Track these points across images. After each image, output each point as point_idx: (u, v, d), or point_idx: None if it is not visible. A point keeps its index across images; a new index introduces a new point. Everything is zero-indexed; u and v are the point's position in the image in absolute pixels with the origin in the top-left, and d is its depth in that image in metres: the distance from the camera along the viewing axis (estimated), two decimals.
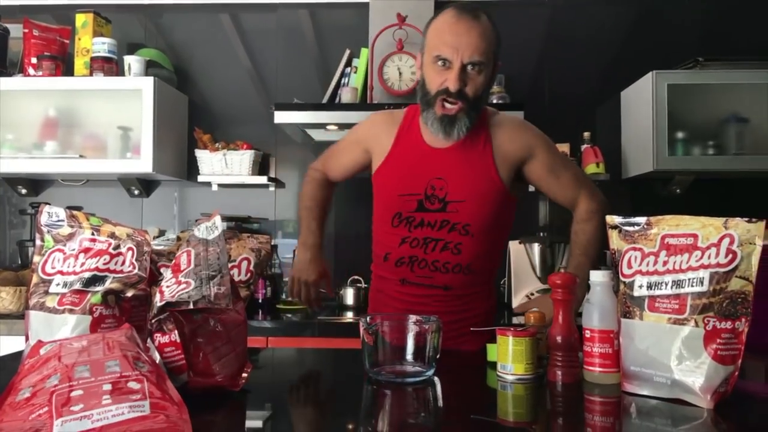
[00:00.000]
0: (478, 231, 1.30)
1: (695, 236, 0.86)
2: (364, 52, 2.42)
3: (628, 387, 0.89)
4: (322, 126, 2.30)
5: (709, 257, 0.84)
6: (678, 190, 2.45)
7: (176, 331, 0.77)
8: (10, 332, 2.01)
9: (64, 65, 2.43)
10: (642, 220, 0.91)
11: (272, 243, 2.59)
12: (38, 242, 0.96)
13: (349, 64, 2.47)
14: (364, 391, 0.94)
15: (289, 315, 2.22)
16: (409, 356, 0.96)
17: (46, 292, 0.92)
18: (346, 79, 2.44)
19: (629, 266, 0.91)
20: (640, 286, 0.89)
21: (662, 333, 0.86)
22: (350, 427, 0.79)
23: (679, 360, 0.84)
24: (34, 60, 2.40)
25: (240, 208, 2.60)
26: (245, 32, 2.68)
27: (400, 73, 2.33)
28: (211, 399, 0.81)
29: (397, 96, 2.33)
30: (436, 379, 0.97)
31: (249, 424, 0.80)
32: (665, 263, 0.87)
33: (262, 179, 2.48)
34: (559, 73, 2.57)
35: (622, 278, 0.92)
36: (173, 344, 0.77)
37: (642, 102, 2.29)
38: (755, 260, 0.82)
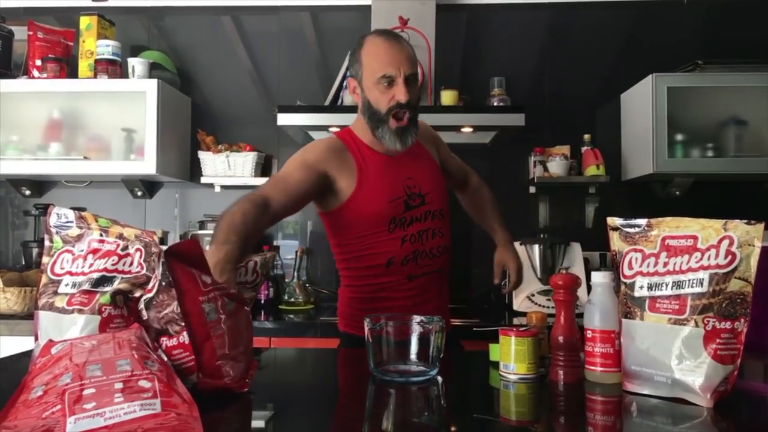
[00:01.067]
0: (445, 212, 1.50)
1: (695, 238, 0.88)
2: None
3: (629, 386, 0.91)
4: (324, 128, 2.32)
5: (708, 258, 0.85)
6: (677, 192, 2.47)
7: (185, 333, 0.78)
8: (14, 333, 2.02)
9: (68, 67, 2.44)
10: (642, 222, 0.93)
11: (275, 244, 2.61)
12: (47, 243, 0.98)
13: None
14: (368, 390, 0.95)
15: (292, 315, 2.23)
16: (413, 356, 0.97)
17: (56, 293, 0.93)
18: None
19: (630, 267, 0.92)
20: (641, 287, 0.90)
21: (662, 333, 0.87)
22: (355, 425, 0.80)
23: (679, 360, 0.85)
24: (38, 62, 2.42)
25: None
26: (247, 35, 2.69)
27: None
28: (218, 398, 0.82)
29: None
30: (439, 378, 0.98)
31: (256, 422, 0.82)
32: (665, 264, 0.89)
33: (265, 180, 2.49)
34: (560, 76, 2.59)
35: (623, 279, 0.93)
36: (181, 346, 0.79)
37: (642, 104, 2.31)
38: (754, 262, 0.84)
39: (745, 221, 0.85)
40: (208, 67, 2.70)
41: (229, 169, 2.47)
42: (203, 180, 2.49)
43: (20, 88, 2.37)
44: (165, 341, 0.80)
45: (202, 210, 2.63)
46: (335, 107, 2.38)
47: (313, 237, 2.64)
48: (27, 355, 1.12)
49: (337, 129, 2.31)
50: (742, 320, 0.84)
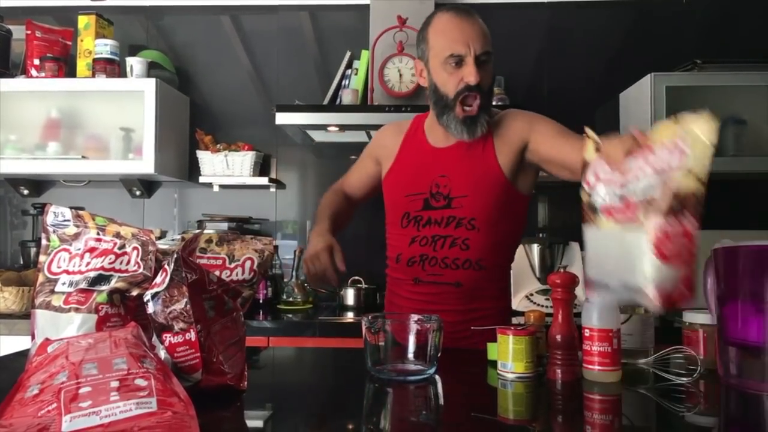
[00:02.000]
0: (483, 225, 1.30)
1: (650, 142, 0.84)
2: (365, 54, 2.43)
3: (589, 295, 0.91)
4: (323, 127, 2.31)
5: (660, 159, 0.81)
6: None
7: (192, 331, 0.78)
8: (12, 332, 2.02)
9: (66, 67, 2.44)
10: (619, 134, 0.92)
11: (274, 244, 2.60)
12: (44, 242, 0.97)
13: (349, 65, 2.48)
14: (366, 389, 0.95)
15: (290, 315, 2.23)
16: (410, 355, 0.97)
17: (52, 291, 0.93)
18: (347, 81, 2.45)
19: (596, 177, 0.90)
20: (600, 195, 0.88)
21: (617, 238, 0.84)
22: (353, 424, 0.80)
23: (630, 264, 0.81)
24: (36, 61, 2.41)
25: (241, 208, 2.61)
26: (246, 34, 2.69)
27: (401, 75, 2.35)
28: (215, 397, 0.82)
29: (397, 98, 2.35)
30: (437, 377, 0.98)
31: (254, 421, 0.81)
32: (626, 171, 0.86)
33: (263, 180, 2.49)
34: (559, 75, 2.59)
35: (587, 188, 0.91)
36: (187, 343, 0.78)
37: (641, 104, 2.31)
38: (702, 155, 0.78)
39: (696, 117, 0.80)
40: (206, 66, 2.70)
41: (227, 168, 2.47)
42: (202, 179, 2.49)
43: (18, 88, 2.36)
44: (168, 337, 0.79)
45: (200, 209, 2.63)
46: (334, 106, 2.38)
47: None
48: (24, 354, 1.12)
49: (336, 128, 2.31)
50: (692, 219, 0.80)
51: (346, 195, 1.57)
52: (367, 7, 2.46)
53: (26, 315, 2.06)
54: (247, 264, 1.01)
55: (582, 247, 2.36)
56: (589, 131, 0.96)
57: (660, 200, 0.80)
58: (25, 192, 2.64)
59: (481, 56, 1.25)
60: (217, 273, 0.93)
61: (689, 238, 0.80)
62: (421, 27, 1.34)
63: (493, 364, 1.02)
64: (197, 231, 0.99)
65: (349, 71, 2.47)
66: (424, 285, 1.35)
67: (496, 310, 1.37)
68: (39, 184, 2.69)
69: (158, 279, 0.80)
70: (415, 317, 0.99)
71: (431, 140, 1.38)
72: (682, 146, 0.79)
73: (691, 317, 1.08)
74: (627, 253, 0.82)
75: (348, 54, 2.50)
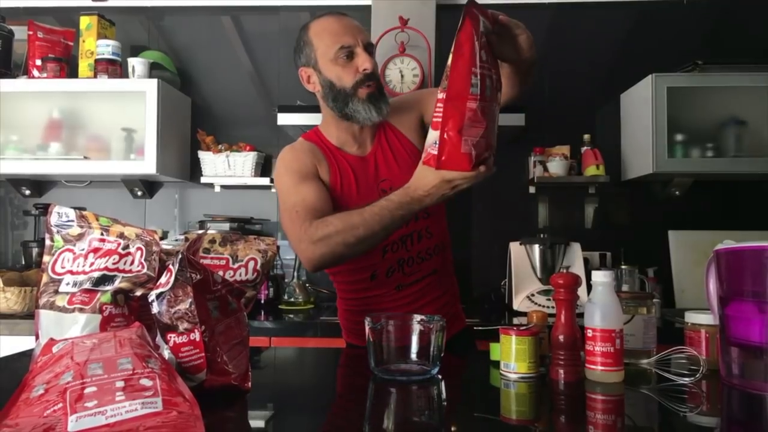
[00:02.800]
0: (433, 209, 1.28)
1: None
2: None
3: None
4: None
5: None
6: (677, 192, 2.47)
7: (196, 331, 0.78)
8: (14, 332, 2.02)
9: (68, 67, 2.44)
10: None
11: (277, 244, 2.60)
12: (48, 242, 0.97)
13: None
14: (369, 389, 0.95)
15: (292, 315, 2.23)
16: (413, 355, 0.98)
17: (56, 292, 0.93)
18: None
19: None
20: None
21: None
22: (356, 425, 0.81)
23: None
24: (38, 62, 2.42)
25: (242, 209, 2.61)
26: (247, 35, 2.69)
27: (402, 76, 2.35)
28: (219, 397, 0.82)
29: None
30: (440, 377, 0.98)
31: (257, 421, 0.82)
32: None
33: (265, 180, 2.50)
34: (560, 76, 2.59)
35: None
36: (192, 343, 0.79)
37: (641, 104, 2.31)
38: None
39: None
40: (208, 67, 2.70)
41: (229, 168, 2.47)
42: (203, 180, 2.49)
43: (20, 88, 2.37)
44: (173, 337, 0.80)
45: (202, 210, 2.63)
46: None
47: None
48: (27, 354, 1.12)
49: None
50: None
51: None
52: (368, 8, 2.46)
53: (28, 315, 2.07)
54: (251, 264, 1.02)
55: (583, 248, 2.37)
56: None
57: None
58: (27, 192, 2.65)
59: (367, 46, 1.27)
60: (220, 273, 0.94)
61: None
62: (298, 37, 1.34)
63: (496, 364, 1.02)
64: (200, 231, 1.00)
65: None
66: (406, 288, 1.33)
67: (453, 285, 1.45)
68: (40, 185, 2.70)
69: (163, 279, 0.81)
70: (417, 317, 0.99)
71: (350, 151, 1.34)
72: None
73: (693, 318, 1.08)
74: None
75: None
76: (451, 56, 0.95)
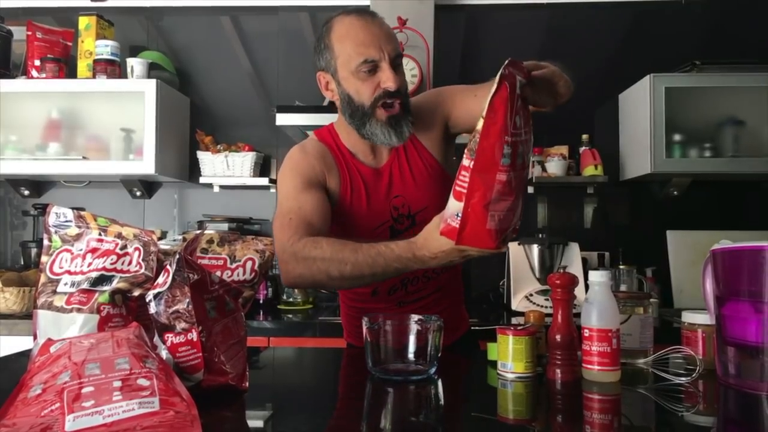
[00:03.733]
0: None
1: None
2: None
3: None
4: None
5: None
6: (675, 192, 2.47)
7: (194, 331, 0.78)
8: (12, 333, 2.02)
9: (67, 67, 2.44)
10: None
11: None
12: (46, 242, 0.98)
13: None
14: (366, 389, 0.96)
15: (290, 315, 2.24)
16: (411, 355, 0.98)
17: (54, 292, 0.93)
18: None
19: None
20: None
21: None
22: (353, 424, 0.81)
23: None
24: (37, 62, 2.42)
25: (241, 209, 2.62)
26: (246, 35, 2.70)
27: None
28: (217, 397, 0.82)
29: None
30: (437, 377, 0.98)
31: (255, 421, 0.82)
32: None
33: (264, 181, 2.50)
34: None
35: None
36: (189, 343, 0.79)
37: (640, 105, 2.31)
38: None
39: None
40: (206, 67, 2.70)
41: (227, 169, 2.47)
42: (202, 180, 2.49)
43: (19, 88, 2.37)
44: (170, 337, 0.80)
45: (200, 210, 2.63)
46: (334, 107, 2.37)
47: None
48: (25, 354, 1.12)
49: None
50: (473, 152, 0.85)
51: (326, 235, 1.14)
52: (367, 7, 2.46)
53: (27, 315, 2.07)
54: (249, 264, 1.02)
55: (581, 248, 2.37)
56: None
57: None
58: (26, 193, 2.65)
59: (395, 59, 1.14)
60: (218, 273, 0.94)
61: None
62: (320, 36, 1.21)
63: (493, 364, 1.02)
64: (198, 231, 1.00)
65: None
66: (408, 305, 1.27)
67: (458, 293, 1.41)
68: (39, 185, 2.70)
69: (160, 279, 0.81)
70: (415, 317, 1.00)
71: (364, 160, 1.24)
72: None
73: (690, 317, 1.08)
74: None
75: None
76: (482, 120, 0.84)
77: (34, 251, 2.51)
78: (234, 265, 0.99)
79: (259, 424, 0.80)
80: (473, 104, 1.19)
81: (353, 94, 1.16)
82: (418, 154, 1.26)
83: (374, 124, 1.16)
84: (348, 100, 1.18)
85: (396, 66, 1.15)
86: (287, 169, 1.22)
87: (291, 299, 2.39)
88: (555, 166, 2.42)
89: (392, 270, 1.01)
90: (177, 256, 0.80)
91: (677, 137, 2.27)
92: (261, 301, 2.38)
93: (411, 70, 2.34)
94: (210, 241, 1.01)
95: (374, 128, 1.17)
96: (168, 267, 0.81)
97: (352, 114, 1.18)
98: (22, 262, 2.56)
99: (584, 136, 2.48)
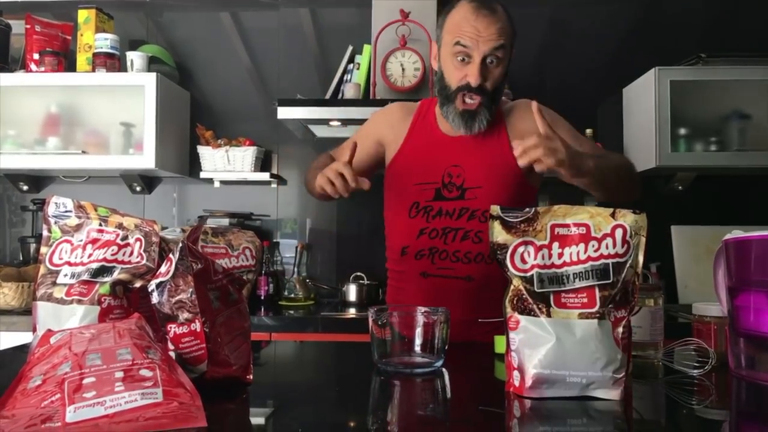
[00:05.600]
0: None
1: (587, 226, 0.83)
2: (367, 49, 2.41)
3: (531, 393, 0.81)
4: (324, 122, 2.30)
5: (606, 247, 0.82)
6: (680, 187, 2.45)
7: (197, 322, 0.77)
8: (11, 328, 2.01)
9: (66, 61, 2.43)
10: (528, 210, 0.85)
11: (275, 240, 2.59)
12: (45, 233, 0.96)
13: (351, 60, 2.47)
14: (372, 382, 0.94)
15: (292, 311, 2.22)
16: (417, 347, 0.96)
17: (54, 283, 0.91)
18: (349, 76, 2.44)
19: (524, 261, 0.83)
20: (542, 281, 0.82)
21: (574, 328, 0.80)
22: (360, 416, 0.79)
23: (595, 355, 0.79)
24: (36, 56, 2.40)
25: (242, 204, 2.60)
26: (247, 29, 2.68)
27: (403, 69, 2.33)
28: (220, 389, 0.81)
29: (399, 92, 2.33)
30: (444, 370, 0.97)
31: (260, 413, 0.80)
32: (561, 255, 0.83)
33: (265, 176, 2.48)
34: (561, 70, 2.58)
35: (516, 273, 0.83)
36: (192, 334, 0.77)
37: (644, 98, 2.29)
38: (641, 250, 0.83)
39: (632, 210, 0.83)
40: (207, 61, 2.68)
41: (228, 164, 2.45)
42: (202, 175, 2.48)
43: (18, 82, 2.35)
44: (174, 328, 0.78)
45: (201, 205, 2.62)
46: (336, 101, 2.36)
47: (312, 233, 2.63)
48: (22, 349, 1.10)
49: (338, 123, 2.30)
50: (633, 309, 0.83)
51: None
52: (368, 1, 2.44)
53: (26, 311, 2.05)
54: (247, 252, 1.02)
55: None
56: (492, 209, 0.87)
57: (614, 291, 0.81)
58: (25, 188, 2.63)
59: (488, 56, 1.22)
60: (225, 261, 0.93)
61: (630, 327, 0.83)
62: (444, 11, 1.30)
63: (501, 357, 1.01)
64: (198, 223, 0.99)
65: (351, 66, 2.46)
66: (432, 278, 1.30)
67: (492, 308, 1.35)
68: (38, 180, 2.68)
69: (163, 268, 0.79)
70: (422, 309, 0.98)
71: (443, 128, 1.34)
72: (626, 238, 0.82)
73: (701, 309, 1.07)
74: (591, 344, 0.79)
75: (350, 49, 2.48)
76: None
77: (33, 247, 2.49)
78: (235, 253, 0.99)
79: (264, 415, 0.79)
80: None
81: (446, 74, 1.27)
82: (498, 140, 1.32)
83: (452, 108, 1.27)
84: (440, 76, 1.29)
85: (488, 65, 1.23)
86: (377, 113, 1.45)
87: (293, 295, 2.37)
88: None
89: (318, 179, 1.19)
90: (180, 245, 0.78)
91: (682, 131, 2.25)
92: (262, 297, 2.36)
93: (414, 63, 2.33)
94: (205, 233, 1.01)
95: (450, 113, 1.28)
96: (171, 256, 0.79)
97: (439, 91, 1.30)
98: (21, 258, 2.54)
99: (588, 131, 2.45)
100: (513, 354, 0.82)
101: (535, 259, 0.83)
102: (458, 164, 1.30)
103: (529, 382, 0.80)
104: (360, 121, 2.28)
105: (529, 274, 0.83)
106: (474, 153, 1.30)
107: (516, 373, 0.82)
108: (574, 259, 0.82)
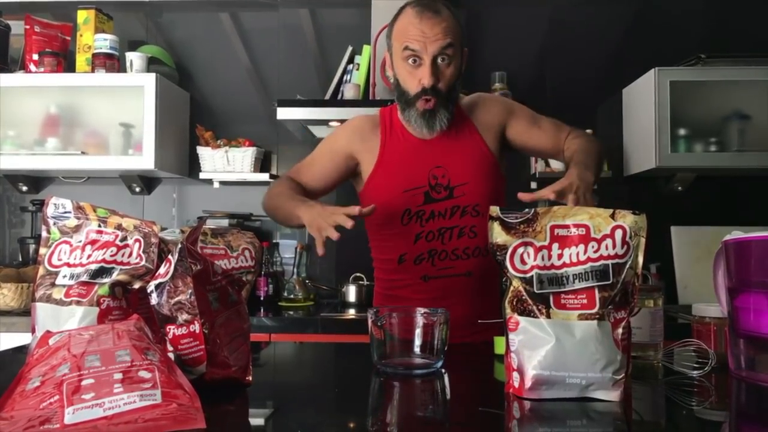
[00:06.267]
0: (486, 209, 1.25)
1: (586, 227, 0.82)
2: (366, 49, 2.41)
3: (530, 394, 0.80)
4: (324, 122, 2.30)
5: (606, 248, 0.81)
6: (680, 188, 2.45)
7: (196, 323, 0.76)
8: (11, 329, 2.00)
9: (65, 62, 2.43)
10: (528, 211, 0.84)
11: (274, 241, 2.59)
12: (44, 234, 0.96)
13: (351, 60, 2.47)
14: (372, 383, 0.94)
15: (291, 312, 2.22)
16: (417, 348, 0.96)
17: (53, 284, 0.91)
18: (348, 76, 2.44)
19: (523, 262, 0.83)
20: (541, 282, 0.81)
21: (574, 330, 0.79)
22: (359, 417, 0.79)
23: (595, 356, 0.79)
24: (35, 56, 2.40)
25: (241, 205, 2.60)
26: (246, 30, 2.68)
27: None
28: (219, 390, 0.81)
29: None
30: (444, 371, 0.97)
31: (259, 414, 0.80)
32: (560, 256, 0.82)
33: (264, 176, 2.48)
34: (560, 71, 2.57)
35: (516, 274, 0.83)
36: (191, 335, 0.77)
37: (644, 99, 2.29)
38: (641, 251, 0.82)
39: (632, 211, 0.82)
40: (206, 62, 2.68)
41: (228, 164, 2.45)
42: (202, 175, 2.47)
43: (17, 83, 2.35)
44: (173, 329, 0.78)
45: (200, 206, 2.61)
46: (335, 101, 2.36)
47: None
48: (20, 350, 1.10)
49: (338, 123, 2.30)
50: (632, 309, 0.83)
51: (301, 187, 1.40)
52: (368, 2, 2.44)
53: (25, 312, 2.05)
54: (246, 253, 1.02)
55: None
56: (492, 209, 0.87)
57: (613, 292, 0.81)
58: (24, 189, 2.63)
59: (438, 56, 1.24)
60: (224, 262, 0.93)
61: (629, 328, 0.82)
62: (391, 20, 1.32)
63: (500, 358, 1.01)
64: (197, 224, 0.99)
65: (350, 66, 2.46)
66: (433, 281, 1.31)
67: (495, 290, 1.38)
68: (38, 181, 2.67)
69: (162, 270, 0.79)
70: (421, 310, 0.98)
71: (414, 132, 1.34)
72: (626, 239, 0.82)
73: (701, 310, 1.06)
74: (591, 345, 0.79)
75: (349, 49, 2.48)
76: None
77: (32, 247, 2.49)
78: (235, 254, 0.99)
79: (265, 416, 0.79)
80: (535, 134, 1.38)
81: (401, 80, 1.30)
82: (470, 136, 1.36)
83: (413, 112, 1.29)
84: (397, 83, 1.32)
85: (439, 64, 1.25)
86: (341, 129, 1.44)
87: (292, 296, 2.37)
88: (558, 162, 2.40)
89: (290, 206, 1.26)
90: (179, 246, 0.78)
91: (682, 132, 2.25)
92: (262, 298, 2.36)
93: None
94: (204, 234, 1.01)
95: (411, 116, 1.29)
96: (170, 257, 0.79)
97: (398, 97, 1.32)
98: (21, 259, 2.54)
99: (588, 131, 2.45)
100: (512, 355, 0.82)
101: (535, 260, 0.82)
102: (441, 165, 1.32)
103: (528, 383, 0.80)
104: None
105: (528, 275, 0.82)
106: (454, 151, 1.33)
107: (515, 375, 0.82)
108: (574, 260, 0.82)
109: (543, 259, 0.82)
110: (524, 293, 0.82)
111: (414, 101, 1.27)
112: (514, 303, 0.82)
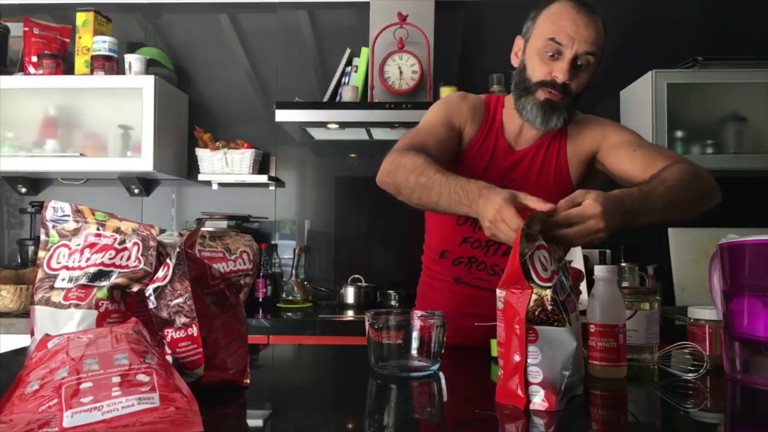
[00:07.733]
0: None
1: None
2: (365, 51, 2.42)
3: (562, 404, 0.79)
4: (322, 125, 2.31)
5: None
6: None
7: (194, 326, 0.77)
8: (10, 331, 2.00)
9: (64, 64, 2.43)
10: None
11: (273, 242, 2.60)
12: (43, 237, 0.96)
13: (349, 63, 2.47)
14: (369, 385, 0.94)
15: (290, 314, 2.22)
16: (414, 351, 0.96)
17: (52, 287, 0.92)
18: (347, 78, 2.45)
19: (544, 267, 0.81)
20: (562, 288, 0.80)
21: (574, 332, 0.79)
22: (355, 421, 0.79)
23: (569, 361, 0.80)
24: (34, 58, 2.40)
25: (240, 207, 2.60)
26: (245, 32, 2.68)
27: (401, 72, 2.34)
28: (217, 393, 0.81)
29: (397, 95, 2.34)
30: (440, 373, 0.97)
31: (257, 417, 0.80)
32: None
33: (263, 178, 2.48)
34: None
35: (540, 282, 0.79)
36: (189, 338, 0.77)
37: (641, 101, 2.30)
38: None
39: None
40: (205, 64, 2.68)
41: (226, 166, 2.46)
42: (201, 177, 2.48)
43: (16, 85, 2.35)
44: (171, 333, 0.78)
45: (199, 207, 2.62)
46: (334, 103, 2.37)
47: (310, 235, 2.63)
48: (20, 352, 1.10)
49: (336, 125, 2.30)
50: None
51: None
52: (366, 4, 2.45)
53: (24, 314, 2.05)
54: (245, 255, 1.02)
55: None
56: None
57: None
58: (23, 190, 2.63)
59: (580, 57, 1.15)
60: (222, 265, 0.94)
61: None
62: (537, 7, 1.24)
63: (497, 360, 1.01)
64: (195, 227, 0.99)
65: (348, 68, 2.46)
66: (465, 286, 1.30)
67: None
68: (37, 183, 2.68)
69: (160, 273, 0.79)
70: (418, 313, 0.98)
71: (507, 136, 1.28)
72: None
73: (696, 313, 1.07)
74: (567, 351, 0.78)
75: (348, 51, 2.49)
76: None
77: (31, 249, 2.49)
78: (233, 257, 0.99)
79: (263, 419, 0.79)
80: (625, 159, 1.20)
81: (529, 67, 1.20)
82: (557, 160, 1.27)
83: (530, 99, 1.20)
84: (522, 69, 1.22)
85: (576, 67, 1.16)
86: (442, 102, 1.33)
87: (291, 297, 2.37)
88: None
89: (455, 202, 1.02)
90: (177, 250, 0.79)
91: (679, 134, 2.26)
92: (260, 299, 2.36)
93: (411, 66, 2.33)
94: (203, 237, 1.01)
95: (528, 103, 1.20)
96: (168, 261, 0.79)
97: (518, 83, 1.23)
98: (20, 260, 2.54)
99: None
100: (534, 369, 0.78)
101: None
102: (514, 179, 1.25)
103: (560, 395, 0.78)
104: (357, 124, 2.28)
105: (548, 283, 0.78)
106: (532, 170, 1.27)
107: (537, 390, 0.78)
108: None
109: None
110: (550, 301, 0.78)
111: (535, 89, 1.18)
112: (536, 313, 0.79)
